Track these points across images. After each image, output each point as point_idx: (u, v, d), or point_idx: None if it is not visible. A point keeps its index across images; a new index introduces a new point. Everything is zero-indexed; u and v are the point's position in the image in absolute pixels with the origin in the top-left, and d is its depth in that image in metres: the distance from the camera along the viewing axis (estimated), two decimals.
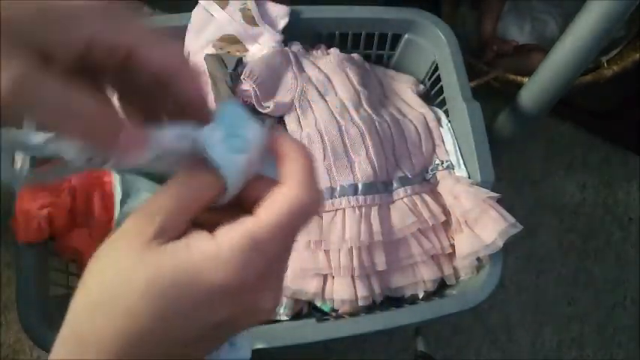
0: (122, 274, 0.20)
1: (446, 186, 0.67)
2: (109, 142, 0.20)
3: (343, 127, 0.66)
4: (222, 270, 0.20)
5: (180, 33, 0.71)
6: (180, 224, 0.21)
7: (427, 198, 0.67)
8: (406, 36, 0.75)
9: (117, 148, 0.20)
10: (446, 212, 0.66)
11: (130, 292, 0.20)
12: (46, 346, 0.59)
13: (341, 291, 0.61)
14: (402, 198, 0.66)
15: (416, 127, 0.71)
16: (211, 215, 0.22)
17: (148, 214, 0.21)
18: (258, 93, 0.66)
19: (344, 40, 0.75)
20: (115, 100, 0.23)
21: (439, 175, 0.69)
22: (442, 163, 0.70)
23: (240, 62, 0.69)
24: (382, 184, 0.66)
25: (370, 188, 0.64)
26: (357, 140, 0.65)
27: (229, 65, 0.68)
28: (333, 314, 0.65)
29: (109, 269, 0.21)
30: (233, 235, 0.21)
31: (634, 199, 1.05)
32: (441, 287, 0.67)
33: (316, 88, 0.69)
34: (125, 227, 0.21)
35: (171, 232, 0.21)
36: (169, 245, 0.20)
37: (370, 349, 0.88)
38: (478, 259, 0.63)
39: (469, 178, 0.67)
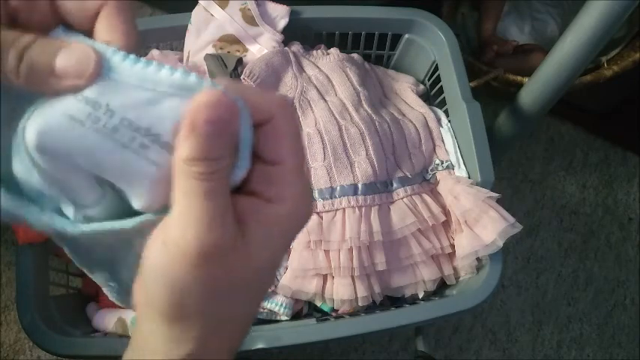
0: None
1: (446, 186, 0.67)
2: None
3: (343, 127, 0.66)
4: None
5: (180, 33, 0.71)
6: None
7: (427, 198, 0.67)
8: (406, 36, 0.75)
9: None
10: (446, 212, 0.66)
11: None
12: (45, 346, 0.59)
13: (341, 291, 0.61)
14: (401, 198, 0.66)
15: (416, 127, 0.71)
16: None
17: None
18: None
19: (344, 40, 0.75)
20: None
21: (439, 175, 0.69)
22: (442, 163, 0.70)
23: (240, 62, 0.69)
24: (382, 184, 0.66)
25: (370, 188, 0.64)
26: (357, 140, 0.65)
27: (229, 65, 0.68)
28: (333, 314, 0.65)
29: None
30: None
31: (634, 199, 1.06)
32: (441, 287, 0.67)
33: (316, 88, 0.69)
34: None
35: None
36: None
37: (370, 349, 0.88)
38: (478, 259, 0.63)
39: (469, 178, 0.67)
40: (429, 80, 0.77)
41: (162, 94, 0.20)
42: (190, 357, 0.22)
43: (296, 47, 0.72)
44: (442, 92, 0.73)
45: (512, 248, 0.99)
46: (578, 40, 0.67)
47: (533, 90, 0.77)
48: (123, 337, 0.65)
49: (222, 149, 0.20)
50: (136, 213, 0.23)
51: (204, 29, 0.70)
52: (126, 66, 0.20)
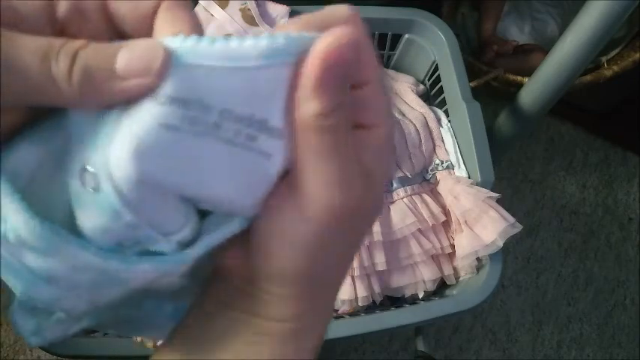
0: None
1: (446, 186, 0.67)
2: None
3: None
4: None
5: None
6: None
7: (427, 198, 0.66)
8: (406, 36, 0.75)
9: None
10: (446, 212, 0.66)
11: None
12: (45, 345, 0.59)
13: (341, 291, 0.61)
14: (402, 198, 0.66)
15: (416, 127, 0.71)
16: None
17: None
18: None
19: None
20: None
21: (439, 175, 0.69)
22: (442, 163, 0.70)
23: None
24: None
25: None
26: None
27: None
28: (333, 314, 0.65)
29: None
30: None
31: (634, 199, 1.05)
32: (441, 287, 0.67)
33: None
34: None
35: None
36: None
37: (370, 349, 0.88)
38: (478, 259, 0.63)
39: (469, 178, 0.67)
40: (428, 80, 0.77)
41: (254, 70, 0.16)
42: (297, 334, 0.21)
43: None
44: (442, 92, 0.73)
45: (513, 248, 0.99)
46: (578, 40, 0.67)
47: (533, 90, 0.77)
48: (122, 337, 0.65)
49: (346, 89, 0.18)
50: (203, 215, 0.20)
51: (205, 28, 0.70)
52: (204, 48, 0.16)
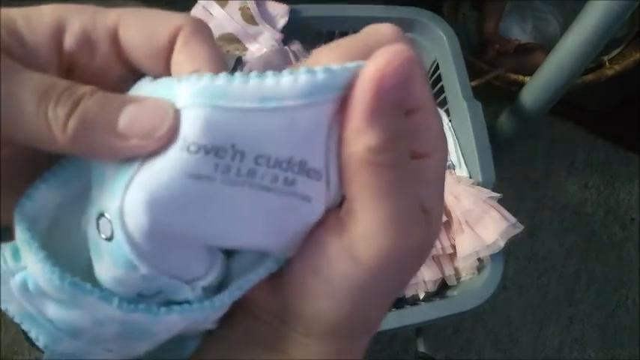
0: None
1: (447, 186, 0.67)
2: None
3: None
4: None
5: None
6: None
7: None
8: (407, 35, 0.74)
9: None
10: (447, 212, 0.65)
11: None
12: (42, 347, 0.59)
13: None
14: None
15: None
16: None
17: None
18: None
19: None
20: None
21: None
22: None
23: (239, 61, 0.68)
24: None
25: None
26: None
27: (228, 64, 0.67)
28: None
29: None
30: None
31: (635, 200, 1.05)
32: (442, 288, 0.66)
33: None
34: None
35: None
36: None
37: (371, 350, 0.88)
38: (479, 259, 0.63)
39: (470, 178, 0.67)
40: (429, 79, 0.77)
41: (293, 110, 0.15)
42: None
43: (296, 46, 0.72)
44: (443, 92, 0.73)
45: (514, 249, 0.98)
46: (579, 40, 0.67)
47: (535, 89, 0.76)
48: None
49: (402, 116, 0.16)
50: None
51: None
52: (236, 87, 0.14)
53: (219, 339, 0.21)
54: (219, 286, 0.18)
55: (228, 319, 0.20)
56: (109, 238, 0.15)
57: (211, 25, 0.69)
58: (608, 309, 0.98)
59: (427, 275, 0.63)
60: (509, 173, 1.01)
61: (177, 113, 0.14)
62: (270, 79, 0.15)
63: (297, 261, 0.18)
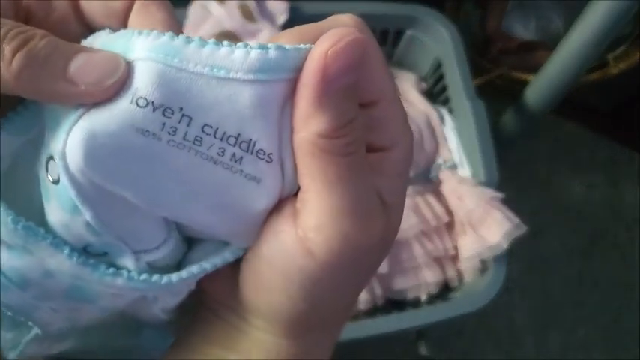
0: None
1: (449, 186, 0.66)
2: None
3: None
4: None
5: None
6: None
7: (430, 199, 0.65)
8: (409, 32, 0.74)
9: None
10: (449, 213, 0.65)
11: None
12: None
13: None
14: None
15: (418, 125, 0.70)
16: None
17: None
18: None
19: None
20: None
21: (442, 175, 0.68)
22: (445, 162, 0.69)
23: None
24: None
25: None
26: None
27: None
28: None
29: None
30: None
31: None
32: (444, 290, 0.66)
33: None
34: None
35: None
36: None
37: (372, 353, 0.87)
38: (482, 260, 0.62)
39: (473, 177, 0.66)
40: (431, 78, 0.76)
41: (241, 83, 0.14)
42: (298, 357, 0.19)
43: None
44: (445, 90, 0.72)
45: (517, 250, 0.97)
46: (583, 38, 0.66)
47: (538, 88, 0.76)
48: None
49: (356, 104, 0.15)
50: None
51: (202, 26, 0.69)
52: (191, 50, 0.14)
53: (183, 339, 0.20)
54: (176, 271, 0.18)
55: (193, 319, 0.20)
56: (56, 182, 0.15)
57: (210, 22, 0.69)
58: (612, 311, 0.97)
59: (429, 277, 0.63)
60: (512, 173, 1.00)
61: (129, 66, 0.15)
62: (224, 49, 0.15)
63: (253, 252, 0.17)
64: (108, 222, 0.16)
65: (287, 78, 0.15)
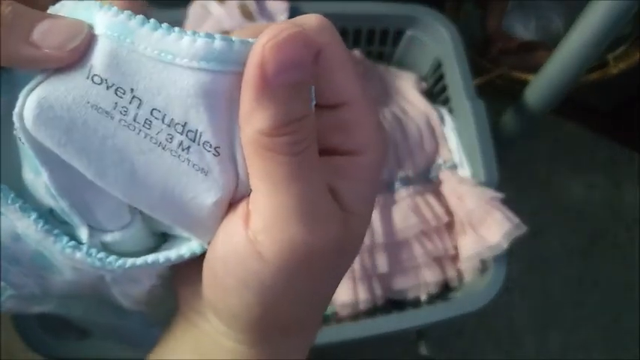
0: None
1: (449, 186, 0.66)
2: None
3: None
4: None
5: None
6: None
7: (430, 198, 0.65)
8: (408, 33, 0.74)
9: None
10: (449, 213, 0.65)
11: None
12: (38, 348, 0.58)
13: (342, 294, 0.60)
14: (404, 198, 0.64)
15: (418, 125, 0.70)
16: None
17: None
18: None
19: (345, 36, 0.74)
20: None
21: (442, 175, 0.68)
22: (445, 162, 0.69)
23: None
24: (384, 184, 0.64)
25: None
26: None
27: None
28: (334, 318, 0.63)
29: None
30: None
31: None
32: (444, 290, 0.66)
33: None
34: None
35: None
36: None
37: (372, 353, 0.87)
38: (482, 260, 0.62)
39: (473, 177, 0.66)
40: (431, 77, 0.76)
41: (185, 70, 0.15)
42: None
43: None
44: (445, 90, 0.72)
45: (517, 250, 0.97)
46: (583, 38, 0.66)
47: (538, 88, 0.76)
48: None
49: (305, 103, 0.15)
50: (163, 236, 0.19)
51: (202, 25, 0.69)
52: (144, 32, 0.15)
53: (159, 348, 0.20)
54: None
55: (170, 327, 0.20)
56: (21, 141, 0.16)
57: (210, 22, 0.69)
58: (613, 311, 0.97)
59: (429, 277, 0.63)
60: (512, 173, 1.00)
61: (92, 33, 0.15)
62: (174, 34, 0.15)
63: (211, 252, 0.17)
64: (64, 187, 0.16)
65: (234, 71, 0.15)
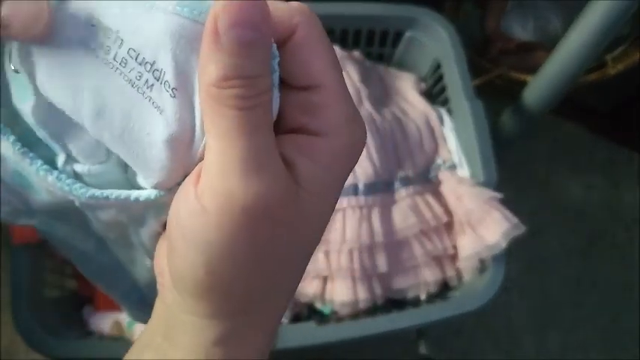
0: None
1: (448, 186, 0.66)
2: None
3: None
4: None
5: None
6: None
7: (429, 198, 0.65)
8: (408, 33, 0.74)
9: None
10: (448, 213, 0.65)
11: None
12: (40, 348, 0.58)
13: (341, 293, 0.60)
14: (404, 198, 0.64)
15: (418, 126, 0.70)
16: None
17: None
18: None
19: (345, 37, 0.74)
20: None
21: (441, 175, 0.68)
22: (444, 162, 0.69)
23: None
24: (384, 184, 0.65)
25: (371, 188, 0.63)
26: None
27: None
28: (334, 317, 0.64)
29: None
30: None
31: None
32: (443, 289, 0.66)
33: None
34: None
35: None
36: None
37: (372, 353, 0.87)
38: (481, 260, 0.62)
39: (472, 178, 0.66)
40: (431, 78, 0.76)
41: (161, 12, 0.16)
42: (223, 341, 0.18)
43: None
44: (444, 90, 0.72)
45: (516, 250, 0.97)
46: (582, 39, 0.66)
47: (537, 88, 0.76)
48: (119, 340, 0.64)
49: (259, 64, 0.15)
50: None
51: None
52: None
53: (141, 335, 0.21)
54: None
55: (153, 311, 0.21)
56: (16, 71, 0.17)
57: None
58: (611, 311, 0.97)
59: (429, 276, 0.63)
60: (511, 173, 1.00)
61: (50, 13, 0.16)
62: None
63: (170, 212, 0.17)
64: (44, 119, 0.18)
65: (202, 22, 0.16)
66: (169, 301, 0.19)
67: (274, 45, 0.16)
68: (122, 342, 0.63)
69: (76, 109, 0.17)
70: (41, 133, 0.18)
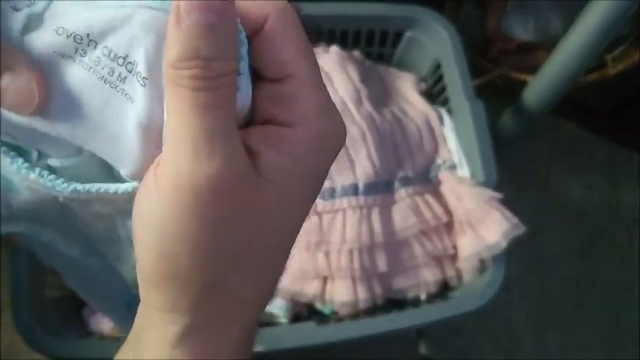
0: None
1: (448, 186, 0.66)
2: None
3: None
4: None
5: None
6: None
7: (429, 198, 0.65)
8: (408, 33, 0.74)
9: None
10: (448, 213, 0.65)
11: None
12: (40, 348, 0.58)
13: (341, 293, 0.60)
14: (404, 198, 0.64)
15: (418, 126, 0.70)
16: None
17: None
18: None
19: (345, 37, 0.74)
20: None
21: (441, 175, 0.68)
22: (444, 162, 0.69)
23: None
24: (384, 184, 0.65)
25: (371, 188, 0.63)
26: (358, 139, 0.64)
27: None
28: (334, 317, 0.64)
29: None
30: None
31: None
32: (443, 289, 0.66)
33: None
34: None
35: None
36: None
37: (372, 353, 0.87)
38: (481, 260, 0.62)
39: (472, 178, 0.66)
40: (431, 78, 0.76)
41: (136, 7, 0.16)
42: (187, 337, 0.17)
43: None
44: (444, 90, 0.72)
45: (516, 250, 0.97)
46: (582, 39, 0.66)
47: (537, 88, 0.76)
48: (119, 340, 0.64)
49: (218, 46, 0.15)
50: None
51: None
52: None
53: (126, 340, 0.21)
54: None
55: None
56: None
57: None
58: (611, 311, 0.97)
59: (429, 276, 0.63)
60: (511, 173, 1.00)
61: (42, 90, 0.17)
62: None
63: (137, 194, 0.17)
64: (15, 123, 0.18)
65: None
66: (142, 296, 0.18)
67: (243, 33, 0.17)
68: (122, 342, 0.63)
69: (53, 119, 0.17)
70: (6, 137, 0.19)
